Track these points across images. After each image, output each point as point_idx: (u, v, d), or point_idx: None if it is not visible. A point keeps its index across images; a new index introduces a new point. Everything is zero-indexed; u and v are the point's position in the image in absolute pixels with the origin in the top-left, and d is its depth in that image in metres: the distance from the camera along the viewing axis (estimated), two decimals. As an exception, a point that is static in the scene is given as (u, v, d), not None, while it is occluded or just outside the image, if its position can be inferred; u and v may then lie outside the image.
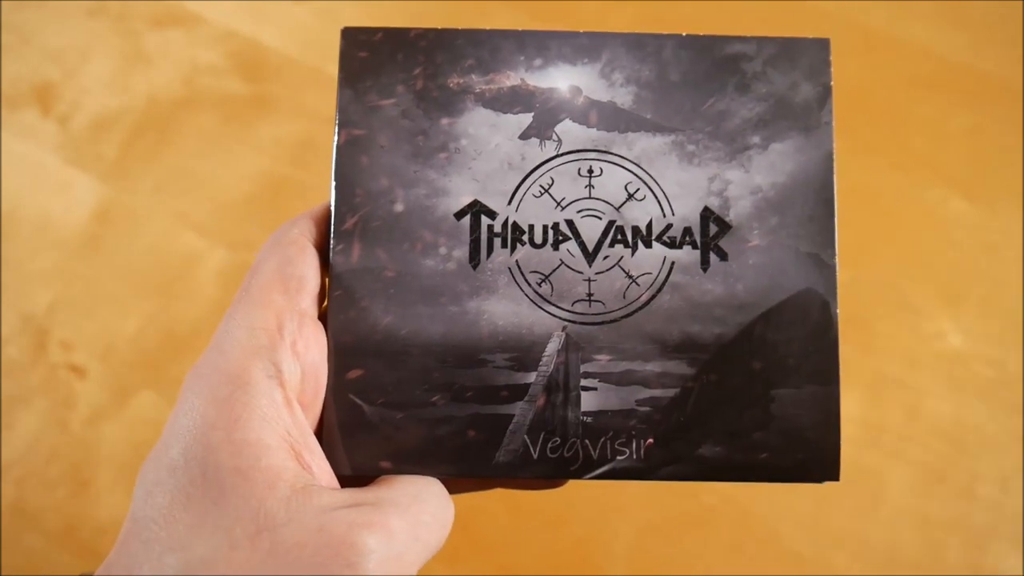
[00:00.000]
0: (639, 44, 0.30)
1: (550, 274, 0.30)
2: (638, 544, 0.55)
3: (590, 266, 0.30)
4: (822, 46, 0.31)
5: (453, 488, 0.31)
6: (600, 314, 0.29)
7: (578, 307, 0.29)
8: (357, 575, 0.24)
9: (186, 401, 0.26)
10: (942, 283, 0.61)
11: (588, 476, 0.29)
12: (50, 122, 0.68)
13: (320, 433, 0.29)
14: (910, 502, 0.56)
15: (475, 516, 0.56)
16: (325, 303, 0.30)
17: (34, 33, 0.71)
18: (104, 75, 0.69)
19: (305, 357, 0.28)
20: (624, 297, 0.30)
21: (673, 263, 0.30)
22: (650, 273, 0.30)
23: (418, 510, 0.27)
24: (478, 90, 0.30)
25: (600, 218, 0.30)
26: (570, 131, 0.30)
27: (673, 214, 0.30)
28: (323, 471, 0.27)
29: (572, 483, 0.57)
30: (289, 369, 0.27)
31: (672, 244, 0.30)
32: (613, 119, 0.30)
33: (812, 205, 0.30)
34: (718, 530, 0.56)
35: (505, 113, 0.30)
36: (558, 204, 0.30)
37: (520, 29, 0.31)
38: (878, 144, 0.64)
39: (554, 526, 0.56)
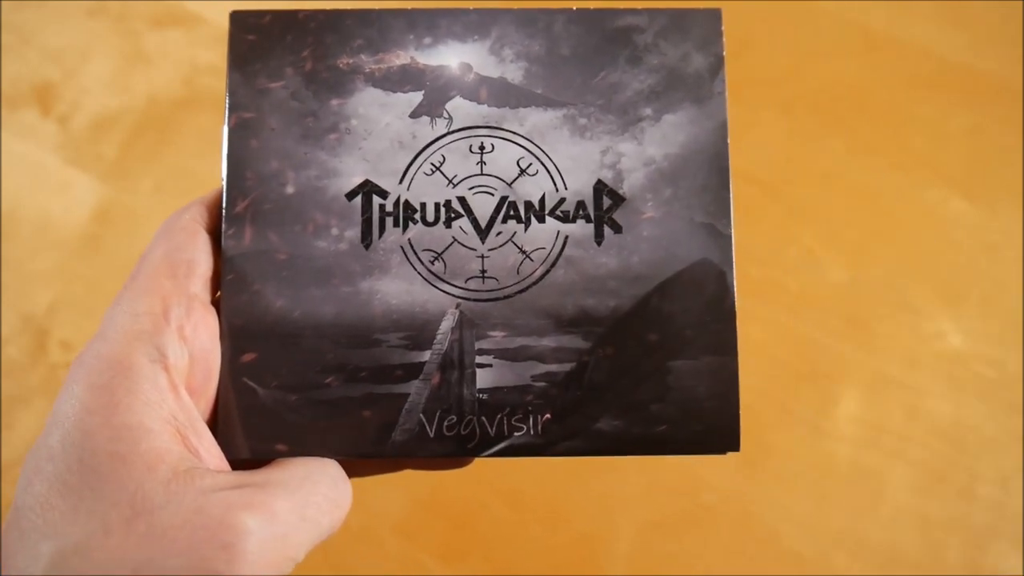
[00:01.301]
0: (529, 20, 0.30)
1: (443, 252, 0.30)
2: (638, 544, 0.55)
3: (483, 243, 0.30)
4: (714, 17, 0.30)
5: (357, 470, 0.31)
6: (494, 290, 0.29)
7: (472, 284, 0.29)
8: (234, 557, 0.23)
9: (67, 389, 0.26)
10: (942, 283, 0.61)
11: (486, 453, 0.29)
12: (50, 122, 0.68)
13: (215, 417, 0.28)
14: (910, 502, 0.56)
15: (475, 515, 0.56)
16: None
17: (34, 33, 0.71)
18: (104, 75, 0.69)
19: (193, 342, 0.27)
20: (518, 273, 0.29)
21: (567, 237, 0.30)
22: (544, 248, 0.30)
23: (308, 491, 0.26)
24: (368, 70, 0.30)
25: (492, 194, 0.30)
26: (461, 108, 0.30)
27: (566, 188, 0.30)
28: (212, 455, 0.27)
29: (572, 482, 0.58)
30: (175, 353, 0.26)
31: (565, 218, 0.30)
32: (504, 95, 0.30)
33: (706, 175, 0.30)
34: (718, 530, 0.55)
35: (395, 92, 0.30)
36: (450, 181, 0.30)
37: (409, 8, 0.31)
38: (878, 144, 0.64)
39: (554, 524, 0.56)
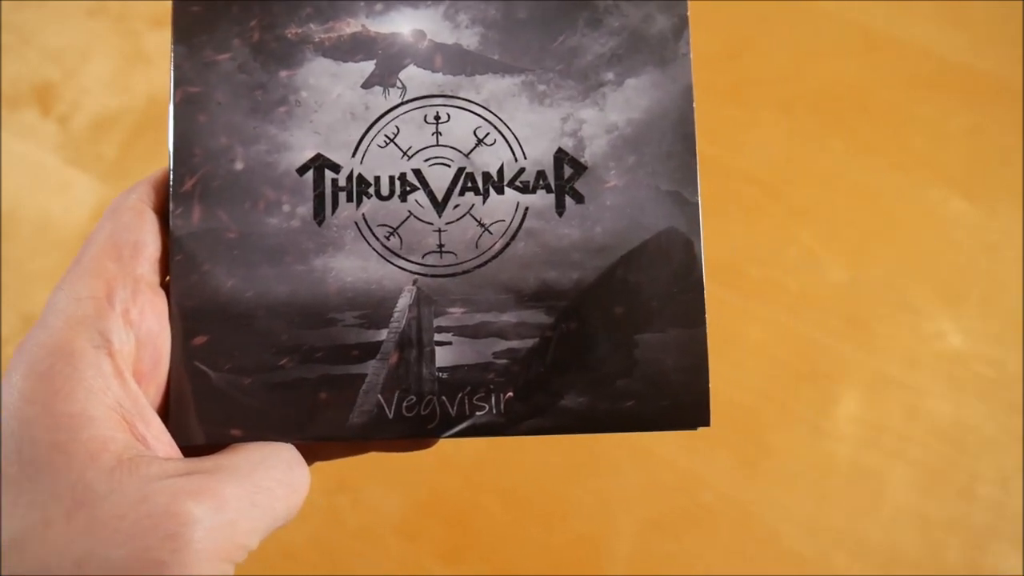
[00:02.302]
0: None
1: (398, 227, 0.29)
2: (638, 544, 0.55)
3: (440, 216, 0.29)
4: None
5: (318, 453, 0.30)
6: (452, 265, 0.28)
7: (429, 259, 0.28)
8: (179, 547, 0.22)
9: (6, 378, 0.25)
10: (942, 283, 0.61)
11: (447, 434, 0.28)
12: (50, 122, 0.68)
13: (167, 403, 0.27)
14: (910, 502, 0.56)
15: (475, 516, 0.56)
16: None
17: (34, 33, 0.71)
18: (104, 75, 0.69)
19: (140, 326, 0.26)
20: (477, 247, 0.28)
21: (527, 208, 0.28)
22: (503, 220, 0.28)
23: (260, 476, 0.25)
24: (317, 39, 0.29)
25: (449, 166, 0.29)
26: (415, 77, 0.29)
27: (525, 158, 0.29)
28: (161, 442, 0.26)
29: (572, 482, 0.58)
30: (120, 338, 0.25)
31: (525, 189, 0.29)
32: (459, 62, 0.29)
33: (670, 141, 0.28)
34: (718, 530, 0.55)
35: (346, 62, 0.29)
36: (404, 153, 0.29)
37: None
38: (878, 144, 0.64)
39: (554, 524, 0.56)
